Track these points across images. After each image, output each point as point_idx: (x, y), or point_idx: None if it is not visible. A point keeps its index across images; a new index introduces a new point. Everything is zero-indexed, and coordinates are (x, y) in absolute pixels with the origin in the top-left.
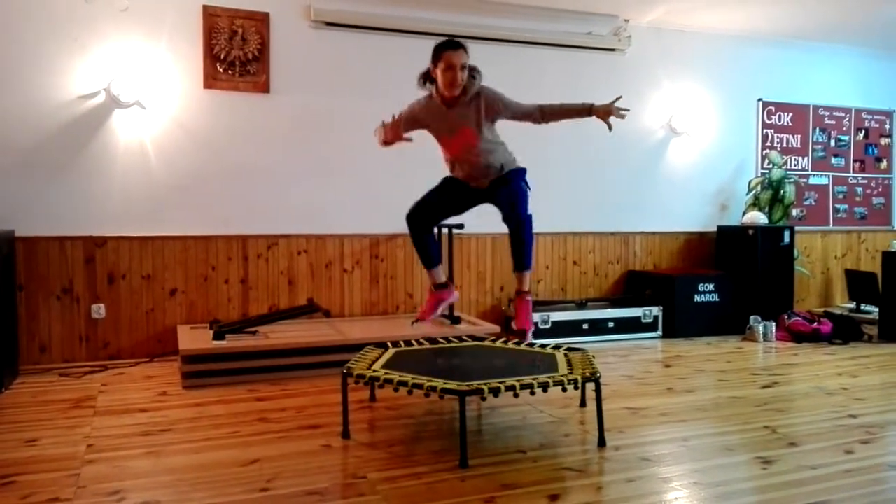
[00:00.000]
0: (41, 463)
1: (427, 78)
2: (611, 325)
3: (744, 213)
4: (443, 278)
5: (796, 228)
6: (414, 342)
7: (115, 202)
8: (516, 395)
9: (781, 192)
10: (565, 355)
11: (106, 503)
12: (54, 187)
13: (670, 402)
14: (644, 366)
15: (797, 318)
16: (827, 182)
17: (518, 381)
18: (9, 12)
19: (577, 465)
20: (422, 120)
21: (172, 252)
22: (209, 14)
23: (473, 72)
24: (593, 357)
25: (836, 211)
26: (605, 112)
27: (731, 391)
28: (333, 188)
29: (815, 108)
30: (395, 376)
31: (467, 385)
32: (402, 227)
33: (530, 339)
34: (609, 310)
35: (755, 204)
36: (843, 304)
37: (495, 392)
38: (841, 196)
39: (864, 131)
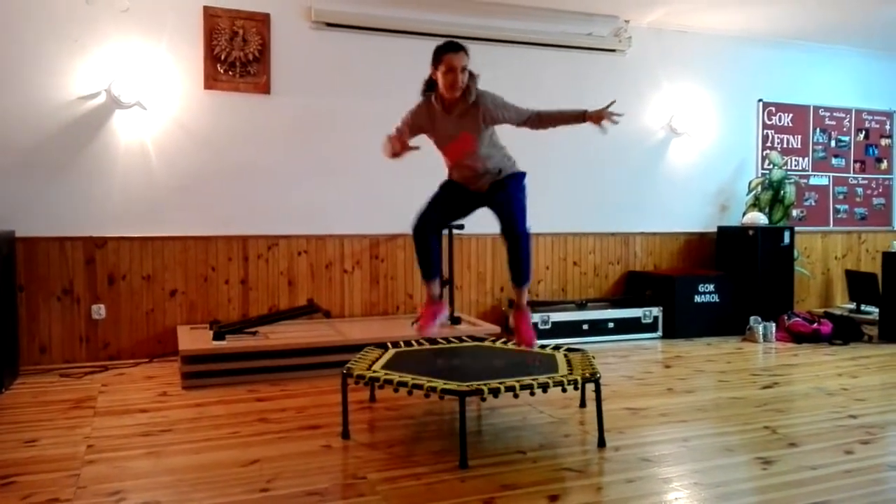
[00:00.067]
0: (41, 463)
1: (429, 84)
2: (611, 325)
3: (744, 214)
4: (439, 291)
5: (796, 229)
6: (414, 342)
7: (116, 203)
8: (516, 396)
9: (782, 192)
10: (565, 356)
11: (106, 503)
12: (55, 188)
13: (670, 403)
14: (644, 366)
15: (797, 319)
16: (827, 183)
17: (518, 381)
18: (9, 12)
19: (576, 465)
20: (422, 125)
21: (172, 252)
22: (210, 15)
23: (471, 76)
24: (593, 357)
25: (837, 211)
26: (598, 117)
27: (731, 392)
28: (334, 189)
29: (816, 108)
30: (395, 377)
31: (467, 385)
32: (402, 227)
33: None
34: (609, 310)
35: (755, 204)
36: (843, 304)
37: (495, 392)
38: (841, 196)
39: (864, 132)
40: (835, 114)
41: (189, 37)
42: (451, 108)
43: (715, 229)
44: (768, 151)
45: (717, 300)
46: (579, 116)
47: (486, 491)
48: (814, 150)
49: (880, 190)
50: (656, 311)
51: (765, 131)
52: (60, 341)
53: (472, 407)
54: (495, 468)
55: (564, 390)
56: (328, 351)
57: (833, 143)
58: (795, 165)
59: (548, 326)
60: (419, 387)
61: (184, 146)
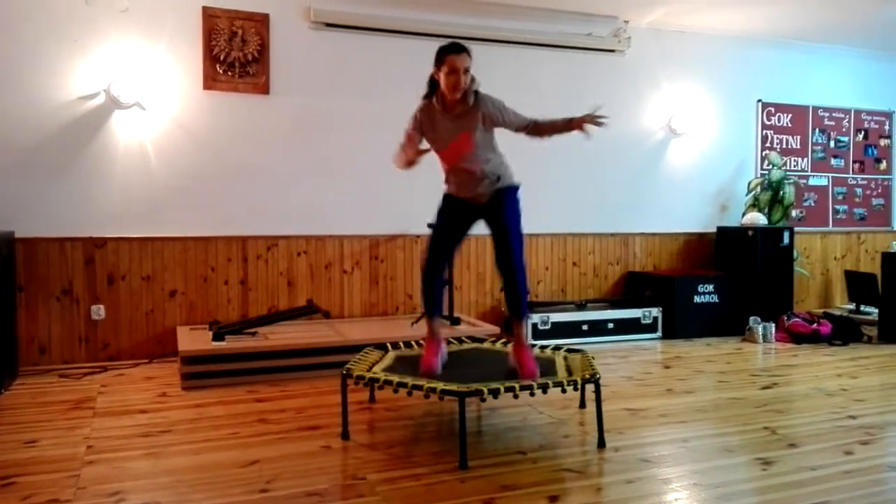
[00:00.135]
0: (41, 464)
1: (433, 84)
2: (610, 326)
3: (743, 214)
4: (439, 328)
5: (796, 229)
6: (413, 343)
7: (115, 203)
8: (516, 397)
9: (781, 193)
10: (564, 358)
11: None
12: (54, 188)
13: (670, 404)
14: (644, 367)
15: (797, 319)
16: (826, 183)
17: (517, 382)
18: (9, 12)
19: (576, 466)
20: (424, 127)
21: (172, 253)
22: (209, 15)
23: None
24: (593, 358)
25: (836, 212)
26: (581, 123)
27: (730, 392)
28: (333, 189)
29: (815, 109)
30: (395, 377)
31: (467, 386)
32: (401, 228)
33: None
34: (609, 311)
35: (755, 205)
36: (842, 305)
37: (495, 393)
38: (840, 197)
39: (863, 132)
40: (834, 114)
41: (188, 37)
42: (452, 109)
43: (714, 230)
44: (768, 152)
45: (717, 301)
46: (567, 124)
47: (486, 491)
48: (813, 151)
49: (879, 190)
50: (656, 311)
51: (764, 132)
52: (60, 342)
53: (472, 407)
54: (495, 469)
55: (564, 391)
56: (328, 351)
57: (832, 144)
58: (795, 166)
59: (547, 327)
60: (419, 387)
61: (183, 146)
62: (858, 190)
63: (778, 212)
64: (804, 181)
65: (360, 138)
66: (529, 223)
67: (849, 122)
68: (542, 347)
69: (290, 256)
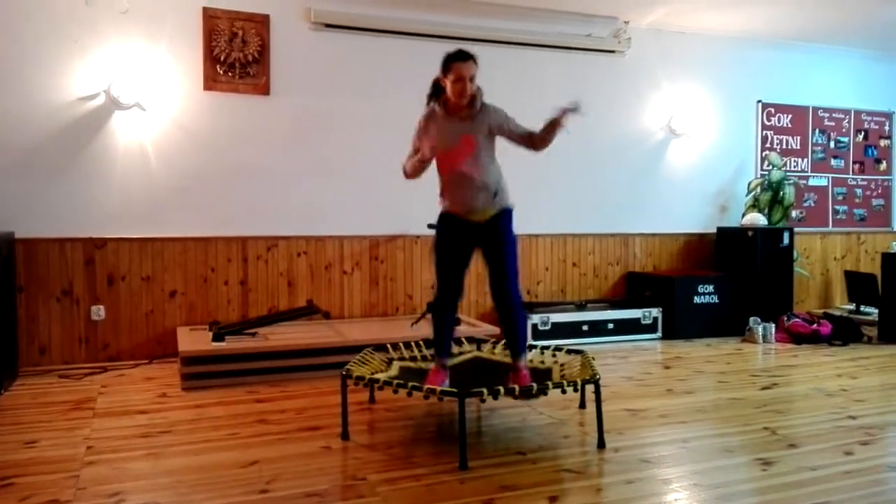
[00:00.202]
0: (41, 465)
1: (436, 89)
2: (610, 326)
3: (743, 215)
4: (447, 364)
5: (796, 230)
6: (413, 345)
7: (115, 204)
8: (516, 397)
9: (781, 193)
10: (561, 366)
11: None
12: (54, 189)
13: (670, 404)
14: (643, 367)
15: (797, 320)
16: (826, 183)
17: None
18: (9, 13)
19: (576, 466)
20: (428, 130)
21: (172, 254)
22: (209, 16)
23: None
24: (593, 359)
25: (836, 212)
26: (559, 116)
27: (730, 392)
28: (333, 189)
29: (815, 109)
30: (395, 378)
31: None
32: (401, 228)
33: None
34: (609, 311)
35: (755, 205)
36: (842, 305)
37: (494, 394)
38: (840, 197)
39: (863, 133)
40: (834, 115)
41: (188, 38)
42: (456, 114)
43: (714, 230)
44: (767, 152)
45: (717, 301)
46: (550, 125)
47: (486, 492)
48: (813, 151)
49: (879, 191)
50: (656, 311)
51: (764, 132)
52: (60, 342)
53: (472, 408)
54: (495, 469)
55: (564, 392)
56: (328, 352)
57: (832, 144)
58: (795, 166)
59: (547, 327)
60: (418, 388)
61: (183, 147)
62: (858, 190)
63: (778, 212)
64: (804, 182)
65: (360, 139)
66: (529, 223)
67: (849, 122)
68: (543, 348)
69: (290, 257)
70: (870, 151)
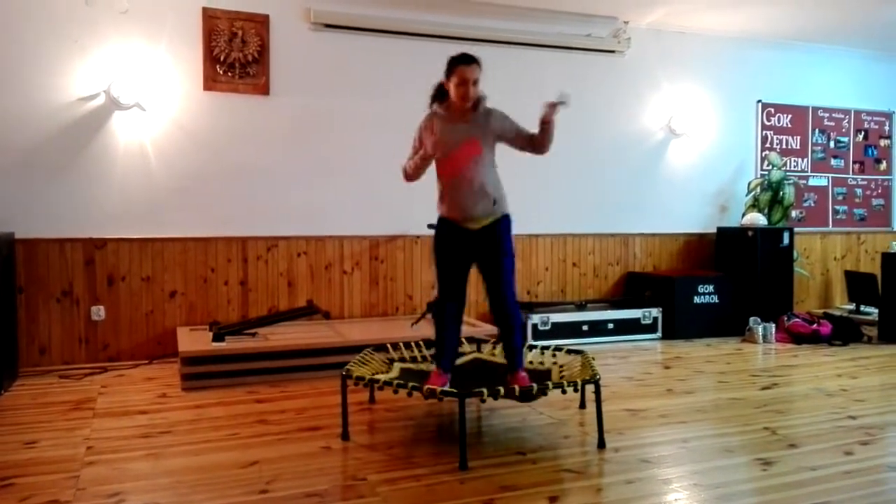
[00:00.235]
0: (41, 465)
1: (438, 93)
2: (610, 326)
3: (743, 215)
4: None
5: (796, 230)
6: (413, 345)
7: (115, 204)
8: (516, 398)
9: (781, 193)
10: (560, 367)
11: None
12: (54, 189)
13: (670, 404)
14: (643, 367)
15: (797, 320)
16: (826, 183)
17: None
18: (9, 13)
19: (576, 466)
20: (430, 132)
21: (172, 254)
22: (209, 16)
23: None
24: (593, 359)
25: (836, 212)
26: (547, 113)
27: (730, 392)
28: (333, 189)
29: (815, 109)
30: (395, 378)
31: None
32: (401, 228)
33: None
34: (609, 311)
35: (755, 205)
36: (842, 305)
37: (494, 394)
38: (840, 197)
39: (863, 133)
40: (834, 115)
41: (188, 38)
42: (459, 118)
43: (714, 230)
44: (767, 152)
45: (717, 301)
46: (542, 124)
47: (486, 492)
48: (813, 151)
49: (879, 191)
50: (656, 311)
51: (764, 132)
52: (60, 343)
53: (472, 408)
54: (495, 469)
55: (564, 392)
56: (328, 352)
57: (832, 144)
58: (794, 166)
59: (547, 328)
60: (419, 388)
61: (183, 147)
62: (858, 190)
63: (778, 212)
64: (804, 182)
65: (360, 139)
66: (529, 223)
67: (849, 122)
68: (543, 348)
69: (290, 257)
70: (870, 151)
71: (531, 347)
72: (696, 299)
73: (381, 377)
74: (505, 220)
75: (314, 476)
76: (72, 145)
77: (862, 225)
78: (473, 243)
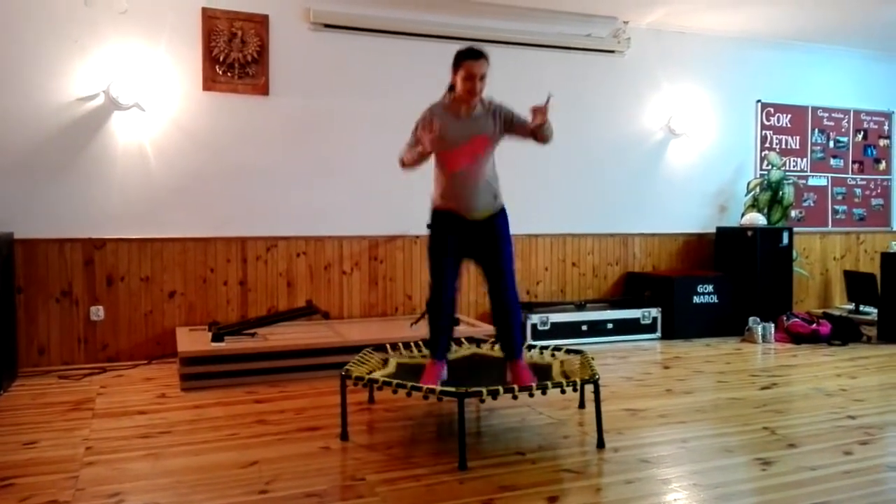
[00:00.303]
0: (40, 465)
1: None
2: (610, 326)
3: (743, 215)
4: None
5: (795, 230)
6: (413, 345)
7: (115, 204)
8: (515, 397)
9: (780, 193)
10: (561, 363)
11: None
12: (53, 189)
13: (669, 404)
14: (643, 367)
15: (796, 320)
16: (826, 183)
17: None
18: (9, 13)
19: (576, 466)
20: (437, 124)
21: (171, 254)
22: (208, 16)
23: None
24: (592, 359)
25: (835, 212)
26: (535, 122)
27: (730, 392)
28: (332, 190)
29: (814, 109)
30: (394, 378)
31: (466, 387)
32: (401, 228)
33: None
34: (608, 311)
35: (754, 205)
36: (841, 305)
37: (494, 394)
38: (840, 197)
39: (862, 132)
40: (833, 114)
41: (188, 38)
42: (466, 113)
43: (714, 230)
44: (767, 152)
45: (716, 301)
46: (535, 128)
47: (485, 492)
48: (812, 151)
49: (879, 191)
50: (655, 311)
51: (763, 132)
52: (59, 343)
53: (471, 408)
54: (494, 469)
55: (563, 392)
56: (327, 352)
57: (832, 144)
58: (794, 166)
59: (547, 327)
60: (418, 388)
61: (182, 147)
62: (858, 190)
63: (777, 212)
64: (803, 181)
65: (360, 139)
66: (529, 223)
67: (848, 122)
68: (542, 348)
69: (289, 257)
70: (869, 151)
71: (530, 347)
72: (696, 299)
73: (379, 374)
74: (503, 212)
75: (313, 476)
76: (71, 145)
77: (861, 225)
78: (474, 233)
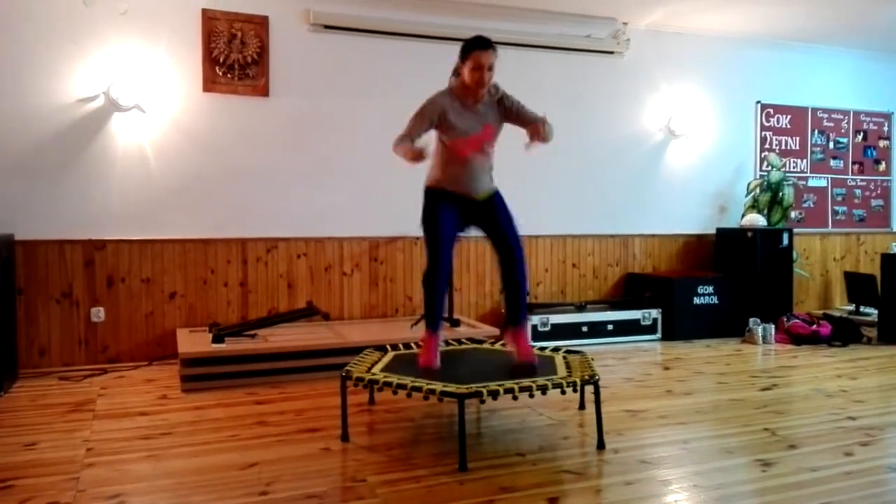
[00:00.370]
0: (40, 467)
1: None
2: (610, 327)
3: (743, 216)
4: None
5: (795, 230)
6: (413, 345)
7: (115, 205)
8: (515, 398)
9: (780, 194)
10: (564, 358)
11: None
12: (54, 190)
13: (669, 405)
14: (643, 368)
15: (796, 321)
16: (826, 184)
17: (517, 383)
18: (9, 14)
19: (576, 467)
20: (437, 118)
21: (172, 255)
22: (208, 17)
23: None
24: (592, 359)
25: (835, 213)
26: (536, 134)
27: (730, 393)
28: (332, 191)
29: (814, 110)
30: (394, 379)
31: (466, 388)
32: (401, 229)
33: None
34: (608, 312)
35: (754, 206)
36: (842, 306)
37: (494, 395)
38: (840, 198)
39: (862, 133)
40: (833, 115)
41: (187, 39)
42: (473, 103)
43: (714, 231)
44: (767, 153)
45: (717, 302)
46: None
47: (486, 493)
48: (812, 152)
49: (879, 191)
50: (655, 312)
51: (763, 133)
52: (59, 344)
53: (472, 409)
54: (494, 471)
55: (563, 392)
56: (327, 353)
57: (831, 145)
58: (794, 167)
59: (547, 328)
60: (418, 389)
61: (182, 149)
62: (858, 191)
63: (777, 213)
64: (803, 182)
65: (360, 140)
66: (529, 224)
67: (848, 123)
68: (542, 349)
69: (289, 258)
70: (869, 152)
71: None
72: (696, 300)
73: (377, 368)
74: (499, 193)
75: (314, 477)
76: (71, 147)
77: (861, 226)
78: (474, 210)
